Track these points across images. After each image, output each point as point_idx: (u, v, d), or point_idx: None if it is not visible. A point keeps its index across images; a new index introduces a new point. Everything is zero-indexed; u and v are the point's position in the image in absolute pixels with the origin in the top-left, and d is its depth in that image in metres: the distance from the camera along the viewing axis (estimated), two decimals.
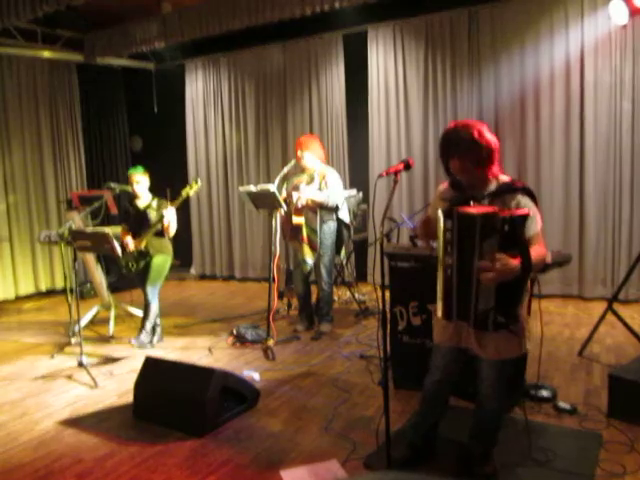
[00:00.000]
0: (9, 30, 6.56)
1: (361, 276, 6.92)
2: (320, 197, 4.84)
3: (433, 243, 2.67)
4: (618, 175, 5.67)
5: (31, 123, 7.47)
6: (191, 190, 4.70)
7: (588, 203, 5.84)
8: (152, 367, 3.59)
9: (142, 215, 4.82)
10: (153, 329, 4.94)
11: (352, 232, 5.86)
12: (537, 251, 2.35)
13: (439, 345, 2.66)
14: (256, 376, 4.05)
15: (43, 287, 7.58)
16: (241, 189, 5.01)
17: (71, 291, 4.76)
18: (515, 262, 2.24)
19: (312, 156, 4.92)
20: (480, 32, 6.18)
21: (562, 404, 3.31)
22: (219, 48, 7.67)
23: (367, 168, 6.94)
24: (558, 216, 5.97)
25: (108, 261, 5.97)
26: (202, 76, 8.06)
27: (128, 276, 4.93)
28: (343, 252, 5.41)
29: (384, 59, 6.74)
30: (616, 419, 3.12)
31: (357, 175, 7.05)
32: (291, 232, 5.01)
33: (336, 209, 4.95)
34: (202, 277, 8.33)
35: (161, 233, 4.76)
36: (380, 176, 2.63)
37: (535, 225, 2.40)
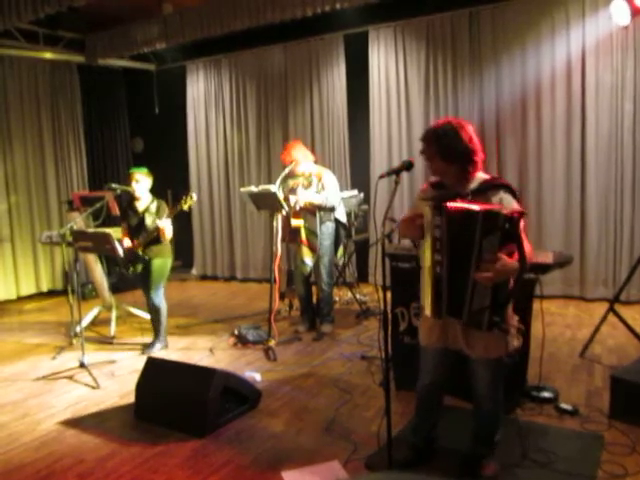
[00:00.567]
0: (11, 31, 6.58)
1: (362, 277, 6.91)
2: (318, 199, 4.85)
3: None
4: (619, 176, 5.66)
5: (33, 124, 7.49)
6: (185, 205, 4.54)
7: (589, 204, 5.83)
8: (153, 368, 3.59)
9: (140, 218, 4.70)
10: (157, 333, 4.87)
11: (353, 232, 5.88)
12: (527, 248, 2.35)
13: (426, 348, 2.66)
14: (257, 377, 4.04)
15: (44, 287, 7.60)
16: (242, 190, 5.00)
17: (72, 292, 4.76)
18: (514, 262, 2.25)
19: (306, 162, 4.94)
20: (481, 33, 6.18)
21: (563, 405, 3.31)
22: (220, 49, 7.67)
23: (368, 169, 6.94)
24: (559, 217, 5.97)
25: (109, 262, 5.97)
26: (203, 77, 8.07)
27: (128, 276, 4.89)
28: (340, 252, 5.42)
29: (385, 60, 6.75)
30: (618, 420, 3.11)
31: (358, 176, 7.05)
32: (290, 234, 5.02)
33: (333, 209, 4.97)
34: (203, 278, 8.33)
35: (158, 239, 4.62)
36: (381, 177, 2.63)
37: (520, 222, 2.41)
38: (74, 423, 3.49)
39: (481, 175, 2.52)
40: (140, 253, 4.64)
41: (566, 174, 5.93)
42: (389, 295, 2.56)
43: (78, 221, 5.54)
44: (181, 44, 7.13)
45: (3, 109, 7.19)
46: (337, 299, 6.21)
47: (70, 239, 4.63)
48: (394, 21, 6.61)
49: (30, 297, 7.41)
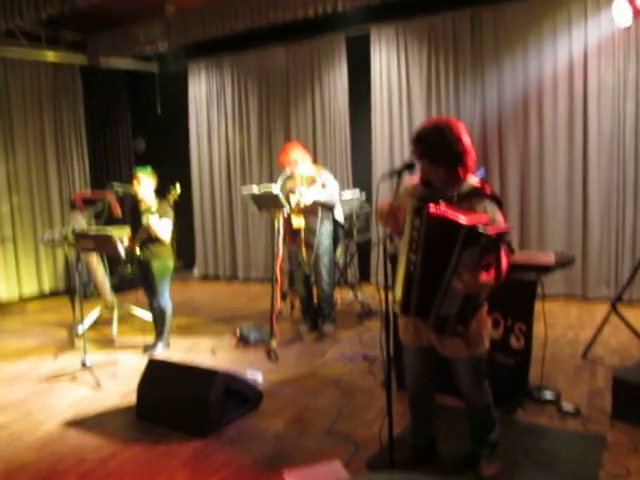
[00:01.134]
0: (13, 32, 6.60)
1: (364, 277, 6.92)
2: (324, 196, 4.89)
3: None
4: (621, 176, 5.65)
5: (35, 125, 7.50)
6: (171, 197, 4.52)
7: (591, 204, 5.83)
8: (155, 368, 3.59)
9: (140, 217, 4.66)
10: (160, 333, 4.86)
11: (355, 232, 5.87)
12: (504, 264, 2.36)
13: (407, 347, 2.69)
14: (259, 377, 4.04)
15: (47, 288, 7.61)
16: (244, 191, 5.00)
17: (74, 292, 4.76)
18: (491, 278, 2.27)
19: (306, 164, 4.97)
20: (483, 33, 6.18)
21: (566, 406, 3.30)
22: (222, 50, 7.68)
23: (370, 169, 6.94)
24: (561, 217, 5.96)
25: (111, 262, 5.98)
26: (205, 77, 8.08)
27: (128, 276, 4.88)
28: (339, 251, 5.42)
29: (387, 60, 6.75)
30: (620, 421, 3.11)
31: (360, 176, 7.05)
32: (290, 234, 5.02)
33: (334, 207, 5.01)
34: (205, 278, 8.34)
35: (155, 238, 4.60)
36: (383, 177, 2.63)
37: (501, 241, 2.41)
38: (76, 423, 3.49)
39: (471, 180, 2.51)
40: (137, 253, 4.61)
41: (568, 174, 5.93)
42: (391, 295, 2.56)
43: (80, 221, 5.55)
44: (183, 45, 7.14)
45: (5, 110, 7.20)
46: (339, 299, 6.21)
47: (72, 239, 4.63)
48: (396, 21, 6.61)
49: (32, 297, 7.42)
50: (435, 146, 2.40)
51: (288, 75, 7.45)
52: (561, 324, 5.08)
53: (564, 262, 3.52)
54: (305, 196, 4.82)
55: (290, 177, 4.98)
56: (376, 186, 6.52)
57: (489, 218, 2.31)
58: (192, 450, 3.06)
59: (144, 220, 4.58)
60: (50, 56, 7.24)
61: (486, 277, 2.30)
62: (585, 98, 5.77)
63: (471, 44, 6.25)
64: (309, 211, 4.92)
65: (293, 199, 4.83)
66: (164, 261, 4.72)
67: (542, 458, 2.77)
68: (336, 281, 5.61)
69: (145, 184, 4.69)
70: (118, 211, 5.56)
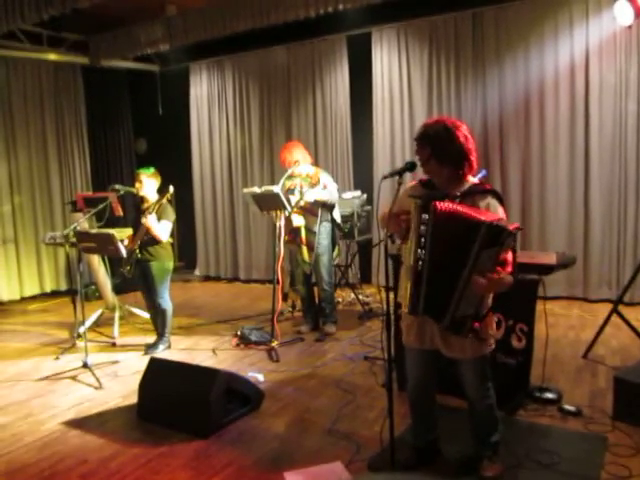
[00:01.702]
0: (15, 33, 6.60)
1: (365, 277, 6.91)
2: (325, 196, 4.90)
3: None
4: (623, 176, 5.64)
5: (36, 125, 7.51)
6: (164, 198, 4.54)
7: (593, 204, 5.82)
8: (156, 368, 3.59)
9: (140, 217, 4.66)
10: (160, 334, 4.86)
11: (356, 233, 5.86)
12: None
13: (408, 349, 2.67)
14: (260, 377, 4.05)
15: (48, 288, 7.61)
16: (245, 191, 5.00)
17: (76, 292, 4.76)
18: (508, 274, 2.26)
19: (305, 163, 5.00)
20: (484, 34, 6.17)
21: (567, 406, 3.30)
22: (223, 50, 7.68)
23: (371, 170, 6.94)
24: (563, 217, 5.95)
25: (112, 263, 5.98)
26: (206, 78, 8.09)
27: (128, 277, 4.87)
28: (337, 251, 5.41)
29: (388, 61, 6.74)
30: (621, 422, 3.10)
31: (361, 176, 7.05)
32: (290, 234, 5.03)
33: (334, 207, 5.03)
34: (206, 278, 8.34)
35: (154, 239, 4.59)
36: (384, 178, 2.63)
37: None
38: (77, 423, 3.49)
39: (471, 179, 2.52)
40: (136, 253, 4.60)
41: (569, 174, 5.92)
42: (392, 296, 2.55)
43: (81, 222, 5.56)
44: (184, 45, 7.14)
45: (7, 110, 7.21)
46: (340, 300, 6.21)
47: (73, 240, 4.63)
48: (397, 22, 6.60)
49: (33, 298, 7.43)
50: (443, 147, 2.40)
51: (289, 75, 7.45)
52: (562, 324, 5.07)
53: (566, 262, 3.52)
54: (306, 195, 4.84)
55: (290, 176, 4.99)
56: (377, 187, 6.52)
57: (497, 214, 2.32)
58: (193, 450, 3.06)
59: (144, 220, 4.59)
60: (52, 56, 7.24)
61: (504, 273, 2.28)
62: (587, 98, 5.76)
63: (472, 44, 6.24)
64: (309, 210, 4.94)
65: (293, 199, 4.84)
66: (163, 262, 4.71)
67: (543, 458, 2.76)
68: (336, 281, 5.61)
69: (148, 185, 4.69)
70: (119, 211, 5.57)
